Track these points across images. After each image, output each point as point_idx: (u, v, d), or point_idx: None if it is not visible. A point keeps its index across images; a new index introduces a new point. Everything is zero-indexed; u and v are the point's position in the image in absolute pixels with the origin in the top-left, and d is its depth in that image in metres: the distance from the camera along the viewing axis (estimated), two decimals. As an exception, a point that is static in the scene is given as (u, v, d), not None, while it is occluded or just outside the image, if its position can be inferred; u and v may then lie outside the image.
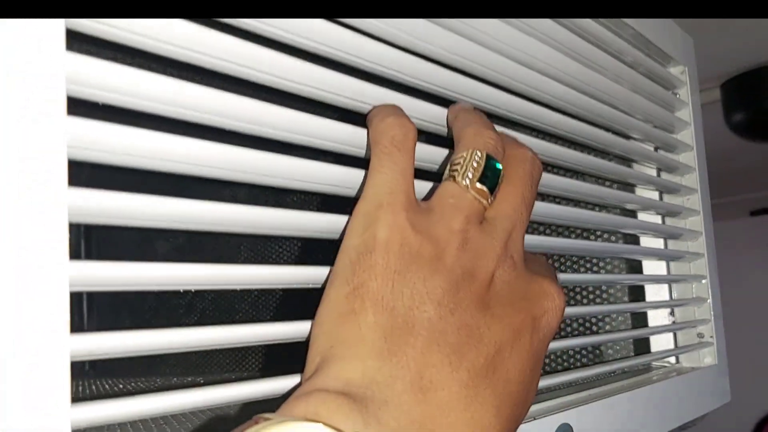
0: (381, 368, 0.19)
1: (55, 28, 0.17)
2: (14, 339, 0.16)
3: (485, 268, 0.22)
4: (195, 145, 0.19)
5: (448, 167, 0.24)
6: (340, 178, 0.25)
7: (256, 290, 0.72)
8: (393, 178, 0.22)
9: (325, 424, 0.16)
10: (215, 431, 0.30)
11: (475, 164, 0.23)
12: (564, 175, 0.39)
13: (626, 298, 0.54)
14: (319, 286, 0.24)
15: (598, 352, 0.53)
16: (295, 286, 0.23)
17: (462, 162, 0.23)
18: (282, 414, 0.17)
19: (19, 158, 0.16)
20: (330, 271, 0.22)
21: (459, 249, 0.22)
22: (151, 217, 0.17)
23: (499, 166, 0.24)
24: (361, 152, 0.26)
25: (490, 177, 0.24)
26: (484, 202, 0.23)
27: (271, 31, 0.22)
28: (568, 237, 0.52)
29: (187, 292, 0.71)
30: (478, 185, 0.23)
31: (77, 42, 0.17)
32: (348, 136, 0.25)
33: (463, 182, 0.23)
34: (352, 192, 0.25)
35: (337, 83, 0.25)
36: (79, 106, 0.17)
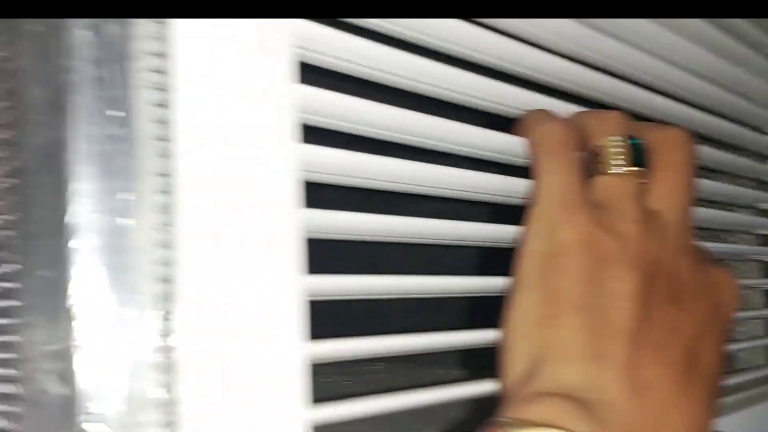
0: (596, 371, 0.19)
1: (286, 60, 0.18)
2: (257, 345, 0.17)
3: (669, 262, 0.22)
4: (401, 164, 0.20)
5: (591, 162, 0.24)
6: (504, 187, 0.25)
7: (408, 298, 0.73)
8: (567, 178, 0.22)
9: (560, 428, 0.17)
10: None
11: (618, 150, 0.23)
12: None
13: (762, 301, 0.51)
14: (494, 293, 0.24)
15: (733, 358, 0.51)
16: (470, 294, 0.24)
17: (605, 152, 0.23)
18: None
19: (259, 183, 0.18)
20: (514, 278, 0.22)
21: (643, 243, 0.22)
22: (371, 231, 0.19)
23: (639, 141, 0.24)
24: (512, 159, 0.26)
25: (638, 155, 0.23)
26: (645, 181, 0.23)
27: (418, 38, 0.23)
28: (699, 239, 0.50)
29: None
30: (632, 169, 0.23)
31: (306, 72, 0.19)
32: (504, 144, 0.25)
33: (618, 171, 0.23)
34: (510, 199, 0.26)
35: (482, 88, 0.25)
36: (308, 132, 0.19)
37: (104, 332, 0.17)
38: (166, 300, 0.17)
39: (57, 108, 0.18)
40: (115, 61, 0.17)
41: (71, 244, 0.17)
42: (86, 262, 0.17)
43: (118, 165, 0.17)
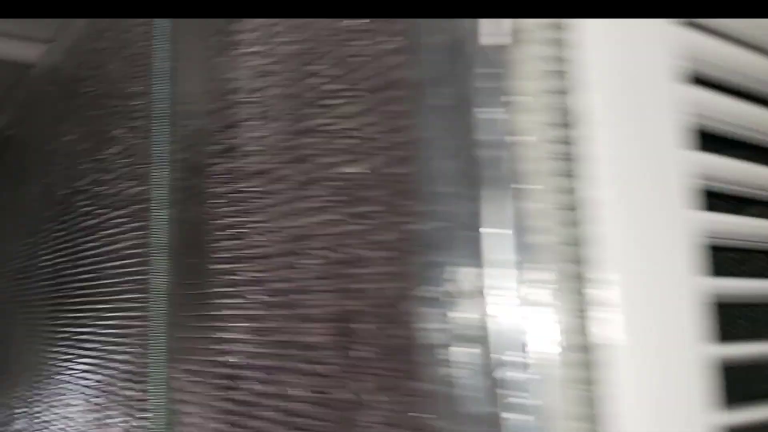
0: None
1: (682, 130, 0.19)
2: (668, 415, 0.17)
3: None
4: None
5: None
6: None
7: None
8: None
9: None
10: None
11: None
12: None
13: None
14: None
15: None
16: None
17: None
18: None
19: (661, 253, 0.18)
20: None
21: None
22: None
23: None
24: None
25: None
26: None
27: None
28: None
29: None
30: None
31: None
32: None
33: None
34: None
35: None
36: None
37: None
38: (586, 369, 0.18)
39: (466, 180, 0.20)
40: (517, 134, 0.19)
41: (485, 311, 0.19)
42: (502, 331, 0.18)
43: (528, 236, 0.18)
